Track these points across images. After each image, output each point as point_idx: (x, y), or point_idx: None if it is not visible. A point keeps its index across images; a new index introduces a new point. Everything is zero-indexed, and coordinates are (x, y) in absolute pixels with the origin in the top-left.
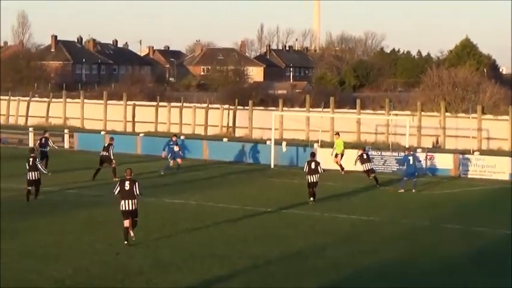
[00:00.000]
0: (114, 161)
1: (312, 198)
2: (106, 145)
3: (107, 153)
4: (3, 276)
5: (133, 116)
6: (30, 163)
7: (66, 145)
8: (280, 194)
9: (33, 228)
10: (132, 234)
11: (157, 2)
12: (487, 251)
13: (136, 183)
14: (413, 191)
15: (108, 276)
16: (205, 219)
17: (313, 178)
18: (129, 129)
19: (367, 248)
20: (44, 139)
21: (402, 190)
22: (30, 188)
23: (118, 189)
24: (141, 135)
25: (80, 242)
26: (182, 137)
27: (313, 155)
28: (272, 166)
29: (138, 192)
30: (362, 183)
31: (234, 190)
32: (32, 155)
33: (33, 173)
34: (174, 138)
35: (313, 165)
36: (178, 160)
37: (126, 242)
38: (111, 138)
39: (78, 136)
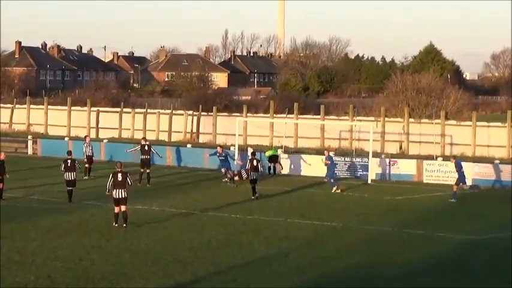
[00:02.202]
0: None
1: (256, 194)
2: (146, 149)
3: (148, 156)
4: None
5: (97, 122)
6: (69, 164)
7: (30, 151)
8: (243, 199)
9: None
10: (124, 224)
11: (122, 7)
12: (448, 256)
13: (128, 175)
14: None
15: (70, 283)
16: (168, 225)
17: (254, 175)
18: (92, 135)
19: (330, 254)
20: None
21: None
22: (70, 188)
23: (112, 180)
24: (104, 141)
25: (42, 249)
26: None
27: (253, 153)
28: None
29: (130, 183)
30: (323, 189)
31: (195, 196)
32: (69, 157)
33: (71, 173)
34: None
35: (254, 163)
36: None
37: (116, 224)
38: (144, 139)
39: (41, 142)
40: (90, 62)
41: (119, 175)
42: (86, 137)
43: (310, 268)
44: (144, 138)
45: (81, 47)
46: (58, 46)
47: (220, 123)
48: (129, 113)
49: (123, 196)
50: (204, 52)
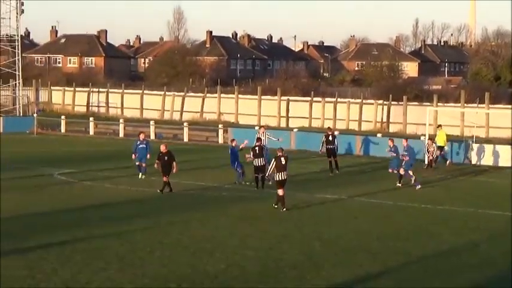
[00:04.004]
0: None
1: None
2: (331, 139)
3: (333, 146)
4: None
5: (287, 111)
6: (257, 151)
7: (221, 140)
8: (430, 190)
9: (188, 223)
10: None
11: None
12: None
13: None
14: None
15: (260, 272)
16: (357, 214)
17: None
18: (283, 124)
19: None
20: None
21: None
22: (257, 175)
23: (274, 164)
24: (295, 130)
25: (233, 237)
26: (336, 132)
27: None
28: (426, 162)
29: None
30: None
31: (384, 186)
32: (257, 143)
33: (259, 160)
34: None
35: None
36: None
37: (284, 209)
38: (329, 128)
39: (232, 131)
40: (280, 51)
41: (282, 159)
42: (261, 127)
43: (502, 260)
44: (330, 128)
45: (271, 37)
46: (248, 35)
47: (410, 113)
48: (319, 102)
49: (285, 178)
50: (394, 41)
